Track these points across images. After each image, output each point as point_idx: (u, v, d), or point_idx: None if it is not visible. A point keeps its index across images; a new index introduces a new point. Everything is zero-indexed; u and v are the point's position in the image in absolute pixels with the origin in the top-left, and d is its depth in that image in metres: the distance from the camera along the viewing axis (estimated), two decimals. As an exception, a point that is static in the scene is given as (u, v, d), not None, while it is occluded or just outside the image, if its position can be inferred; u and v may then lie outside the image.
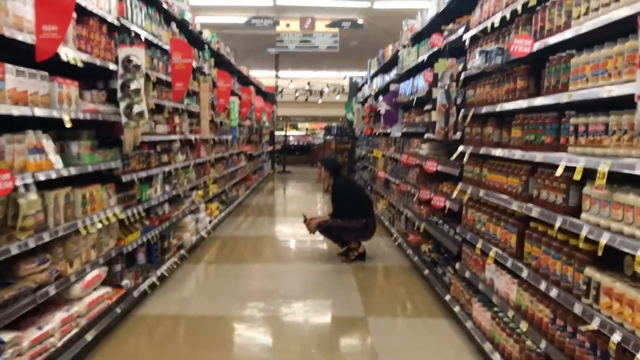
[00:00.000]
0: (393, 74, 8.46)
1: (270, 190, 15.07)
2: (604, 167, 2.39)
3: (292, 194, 15.06)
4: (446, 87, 4.46)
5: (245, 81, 13.28)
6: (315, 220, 6.67)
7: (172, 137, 6.22)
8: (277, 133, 22.18)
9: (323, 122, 31.45)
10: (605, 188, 2.42)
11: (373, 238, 7.07)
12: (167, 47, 5.93)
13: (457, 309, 4.38)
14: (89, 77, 4.47)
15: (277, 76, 21.61)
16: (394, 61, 8.82)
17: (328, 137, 13.70)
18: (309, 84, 26.55)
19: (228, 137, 10.03)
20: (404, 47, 7.48)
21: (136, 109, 4.43)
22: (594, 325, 2.45)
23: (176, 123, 6.43)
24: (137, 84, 4.43)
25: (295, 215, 10.77)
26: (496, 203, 3.82)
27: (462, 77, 4.55)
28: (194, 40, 7.56)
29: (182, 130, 6.69)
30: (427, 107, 5.91)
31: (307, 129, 33.24)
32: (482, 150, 4.01)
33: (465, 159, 4.31)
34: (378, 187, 9.93)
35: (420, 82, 6.34)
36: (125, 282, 4.60)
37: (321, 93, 29.20)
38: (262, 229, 9.02)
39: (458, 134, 4.60)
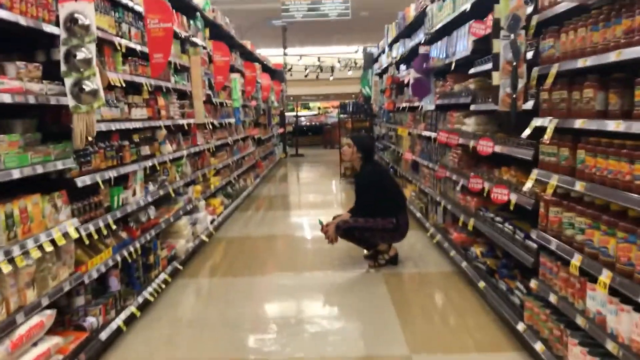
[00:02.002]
0: (420, 36, 7.16)
1: (282, 177, 13.89)
2: None
3: (306, 180, 13.87)
4: (512, 38, 3.20)
5: (249, 57, 12.03)
6: (333, 223, 5.44)
7: (155, 122, 5.03)
8: (287, 114, 20.94)
9: (335, 100, 30.08)
10: None
11: None
12: (141, 10, 4.72)
13: (539, 346, 3.16)
14: (26, 46, 3.32)
15: (285, 53, 20.29)
16: (418, 22, 7.52)
17: (343, 115, 12.41)
18: (319, 59, 25.18)
19: (231, 120, 8.82)
20: (433, 1, 6.17)
21: (87, 86, 3.23)
22: None
23: (160, 105, 5.23)
24: (87, 52, 3.22)
25: (311, 207, 9.62)
26: (606, 201, 2.59)
27: (533, 22, 3.28)
28: (182, 6, 6.32)
29: (169, 114, 5.50)
30: (474, 69, 4.64)
31: (319, 108, 31.93)
32: (579, 124, 2.76)
33: (546, 137, 3.06)
34: (404, 171, 8.69)
35: (461, 40, 5.07)
36: (90, 320, 3.46)
37: (332, 69, 27.84)
38: (273, 225, 7.84)
39: (530, 103, 3.35)
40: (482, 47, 4.65)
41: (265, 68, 14.89)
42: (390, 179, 5.89)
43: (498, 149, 4.00)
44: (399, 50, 9.26)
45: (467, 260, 4.76)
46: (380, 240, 5.39)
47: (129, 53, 4.56)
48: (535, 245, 3.38)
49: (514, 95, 3.25)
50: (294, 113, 22.22)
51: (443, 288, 4.83)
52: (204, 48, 7.24)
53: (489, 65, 4.24)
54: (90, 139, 3.44)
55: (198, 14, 7.04)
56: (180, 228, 5.57)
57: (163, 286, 4.68)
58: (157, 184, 5.06)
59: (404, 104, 8.61)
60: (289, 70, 23.58)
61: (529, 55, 3.33)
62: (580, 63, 2.72)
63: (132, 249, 4.22)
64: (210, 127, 7.28)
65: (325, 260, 5.74)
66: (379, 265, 5.41)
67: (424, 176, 7.04)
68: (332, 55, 26.57)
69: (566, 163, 2.94)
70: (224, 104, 8.48)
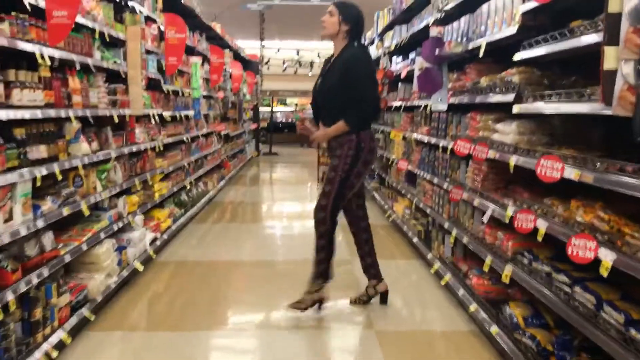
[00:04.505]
0: (425, 19, 5.74)
1: (252, 179, 12.35)
2: None
3: (280, 183, 12.37)
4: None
5: (218, 43, 10.49)
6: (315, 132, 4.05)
7: (62, 112, 3.50)
8: (262, 109, 19.39)
9: (314, 96, 28.63)
10: None
11: (395, 261, 5.10)
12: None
13: None
14: None
15: (262, 45, 18.75)
16: (421, 3, 6.11)
17: (323, 113, 10.93)
18: (297, 52, 23.73)
19: (189, 112, 7.28)
20: (449, -30, 4.75)
21: None
22: None
23: (72, 88, 3.71)
24: None
25: (283, 217, 8.18)
26: None
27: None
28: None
29: (88, 100, 3.97)
30: (524, 54, 3.21)
31: (296, 105, 30.45)
32: None
33: None
34: (394, 181, 7.28)
35: (496, 15, 3.65)
36: None
37: (311, 64, 26.43)
38: (236, 244, 6.32)
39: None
40: (534, 24, 3.29)
41: (238, 57, 13.34)
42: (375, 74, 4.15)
43: (572, 174, 2.58)
44: (392, 39, 7.84)
45: (500, 326, 3.34)
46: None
47: (12, 5, 3.04)
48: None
49: (642, 89, 1.83)
50: (270, 108, 20.64)
51: (463, 361, 3.42)
52: (153, 21, 5.71)
53: (556, 46, 2.84)
54: None
55: (145, -25, 5.51)
56: (99, 258, 4.04)
57: (55, 354, 3.16)
58: (61, 199, 3.54)
59: (397, 103, 7.21)
60: (266, 63, 22.09)
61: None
62: None
63: (-3, 306, 2.71)
64: (157, 120, 5.74)
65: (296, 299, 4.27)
66: (363, 301, 4.15)
67: (424, 192, 5.63)
68: (312, 49, 25.15)
69: None
70: (181, 93, 6.95)
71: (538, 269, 2.99)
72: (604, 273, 2.24)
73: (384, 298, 4.20)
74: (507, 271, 3.28)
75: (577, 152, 2.74)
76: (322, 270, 3.95)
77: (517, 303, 3.35)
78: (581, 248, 2.36)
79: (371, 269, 4.20)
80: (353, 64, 3.79)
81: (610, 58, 1.89)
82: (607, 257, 2.24)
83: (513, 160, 3.22)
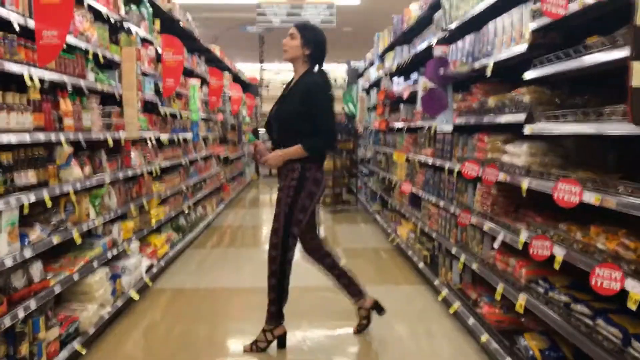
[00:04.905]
0: (427, 40, 5.64)
1: (252, 201, 12.19)
2: None
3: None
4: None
5: (218, 65, 10.41)
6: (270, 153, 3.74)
7: (52, 135, 3.36)
8: (261, 130, 19.28)
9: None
10: None
11: (400, 287, 4.99)
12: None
13: None
14: None
15: (262, 68, 18.77)
16: (423, 23, 6.03)
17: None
18: (298, 75, 23.78)
19: (187, 135, 7.15)
20: (452, -12, 4.64)
21: None
22: None
23: (64, 111, 3.57)
24: None
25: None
26: None
27: None
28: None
29: (81, 123, 3.83)
30: (535, 72, 3.07)
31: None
32: None
33: None
34: (397, 203, 7.11)
35: (504, 33, 3.53)
36: None
37: (311, 86, 26.48)
38: (236, 269, 6.13)
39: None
40: (544, 41, 3.16)
41: (237, 79, 13.28)
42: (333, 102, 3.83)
43: (592, 198, 2.42)
44: (393, 60, 7.75)
45: (514, 358, 3.14)
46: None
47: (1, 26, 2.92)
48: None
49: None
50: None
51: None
52: (150, 43, 5.61)
53: (571, 64, 2.71)
54: None
55: (143, -3, 5.42)
56: (92, 287, 3.86)
57: (42, 393, 2.97)
58: (50, 227, 3.37)
59: (399, 124, 7.08)
60: (266, 86, 22.10)
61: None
62: None
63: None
64: (154, 143, 5.59)
65: (301, 330, 4.07)
66: (364, 326, 4.00)
67: (429, 215, 5.46)
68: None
69: None
70: (179, 115, 6.82)
71: (555, 299, 2.81)
72: (632, 306, 2.06)
73: (378, 310, 3.99)
74: (522, 300, 3.10)
75: (594, 175, 2.58)
76: (274, 311, 3.69)
77: (533, 335, 3.16)
78: (606, 278, 2.19)
79: (349, 288, 3.97)
80: (313, 91, 3.59)
81: (638, 74, 1.75)
82: (635, 289, 2.07)
83: (525, 183, 3.07)
